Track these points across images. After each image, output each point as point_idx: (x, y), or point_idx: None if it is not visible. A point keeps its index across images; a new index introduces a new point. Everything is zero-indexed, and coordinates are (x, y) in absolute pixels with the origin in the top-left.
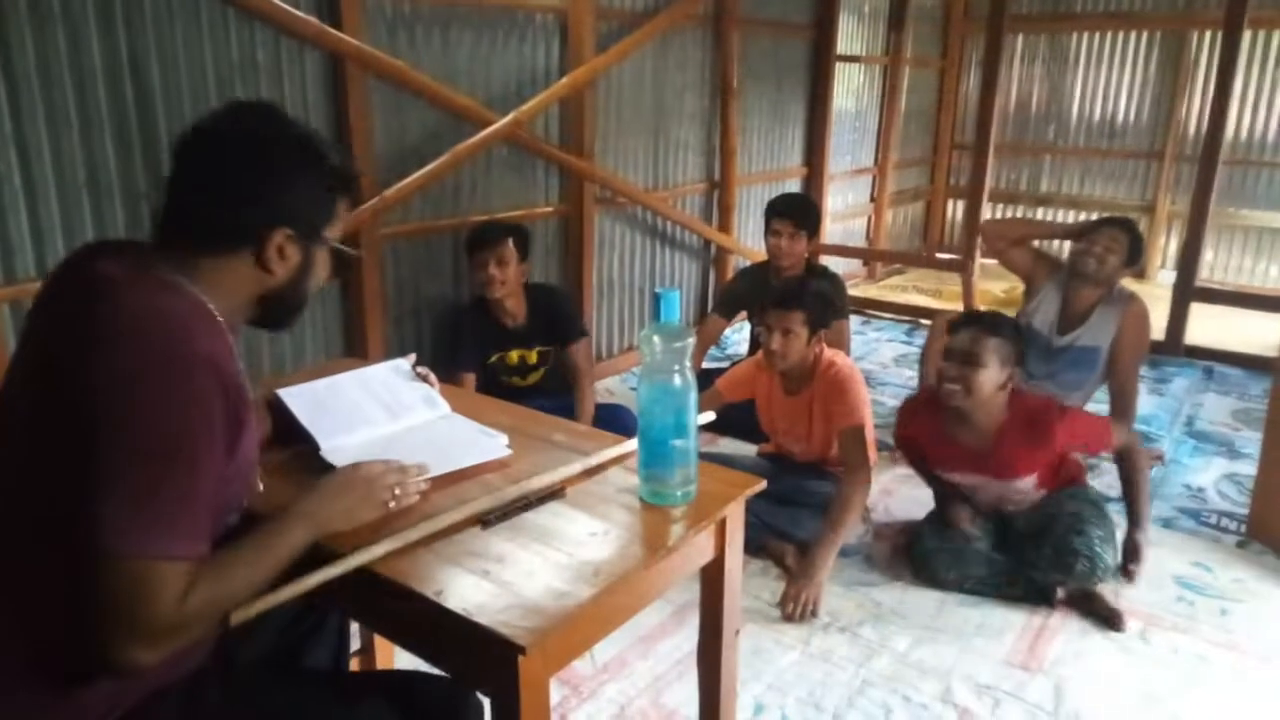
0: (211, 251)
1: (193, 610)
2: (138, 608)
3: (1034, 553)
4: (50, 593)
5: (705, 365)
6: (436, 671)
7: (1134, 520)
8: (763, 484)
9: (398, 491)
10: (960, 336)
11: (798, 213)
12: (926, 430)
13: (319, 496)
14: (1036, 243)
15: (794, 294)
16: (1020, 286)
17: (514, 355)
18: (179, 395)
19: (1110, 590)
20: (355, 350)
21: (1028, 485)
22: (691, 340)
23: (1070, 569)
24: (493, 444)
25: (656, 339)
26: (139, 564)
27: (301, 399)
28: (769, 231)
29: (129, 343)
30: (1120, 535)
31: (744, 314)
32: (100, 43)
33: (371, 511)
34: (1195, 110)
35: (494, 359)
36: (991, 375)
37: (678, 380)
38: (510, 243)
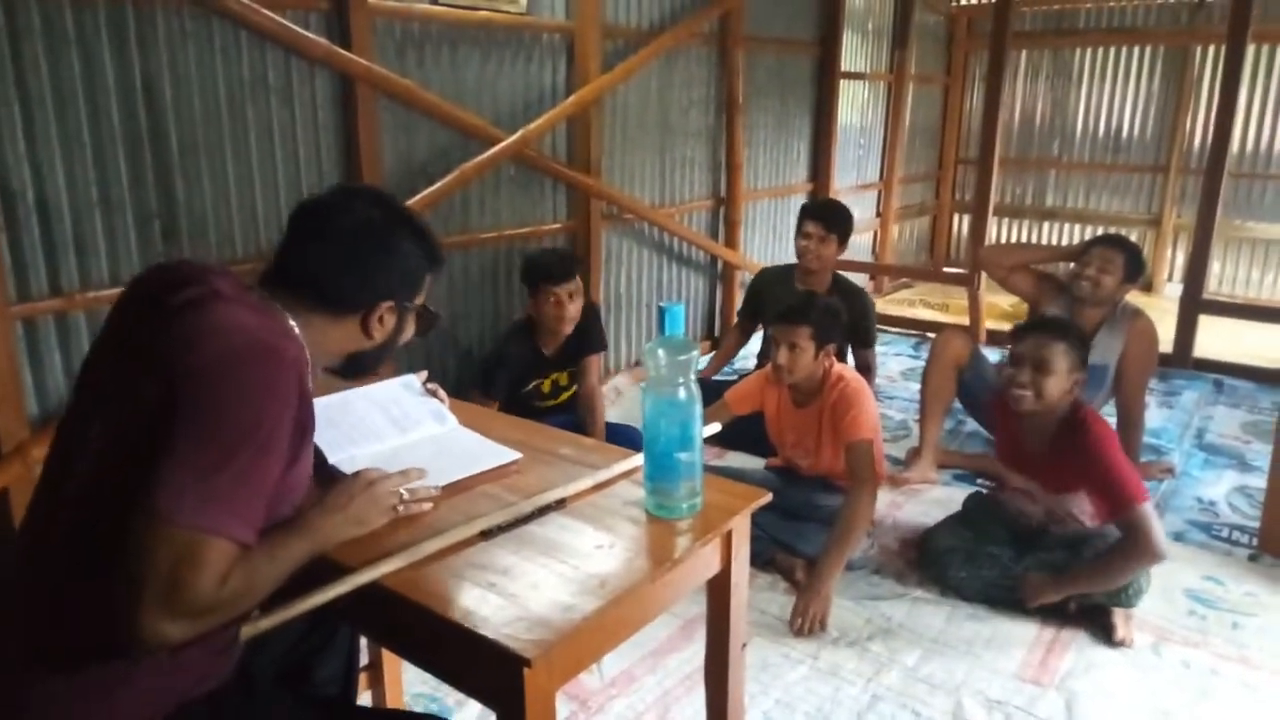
0: (320, 311)
1: (226, 597)
2: (179, 578)
3: (1062, 559)
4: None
5: (713, 378)
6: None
7: (1087, 575)
8: (768, 496)
9: (405, 495)
10: (1027, 343)
11: (830, 216)
12: (1006, 423)
13: (326, 507)
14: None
15: (800, 309)
16: None
17: (548, 383)
18: (261, 386)
19: (1121, 612)
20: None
21: (1077, 502)
22: (696, 353)
23: None
24: (502, 450)
25: (662, 352)
26: (190, 534)
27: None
28: (799, 234)
29: (226, 337)
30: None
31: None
32: (113, 64)
33: (380, 517)
34: (1200, 124)
35: (530, 387)
36: (1060, 381)
37: (682, 393)
38: (578, 277)
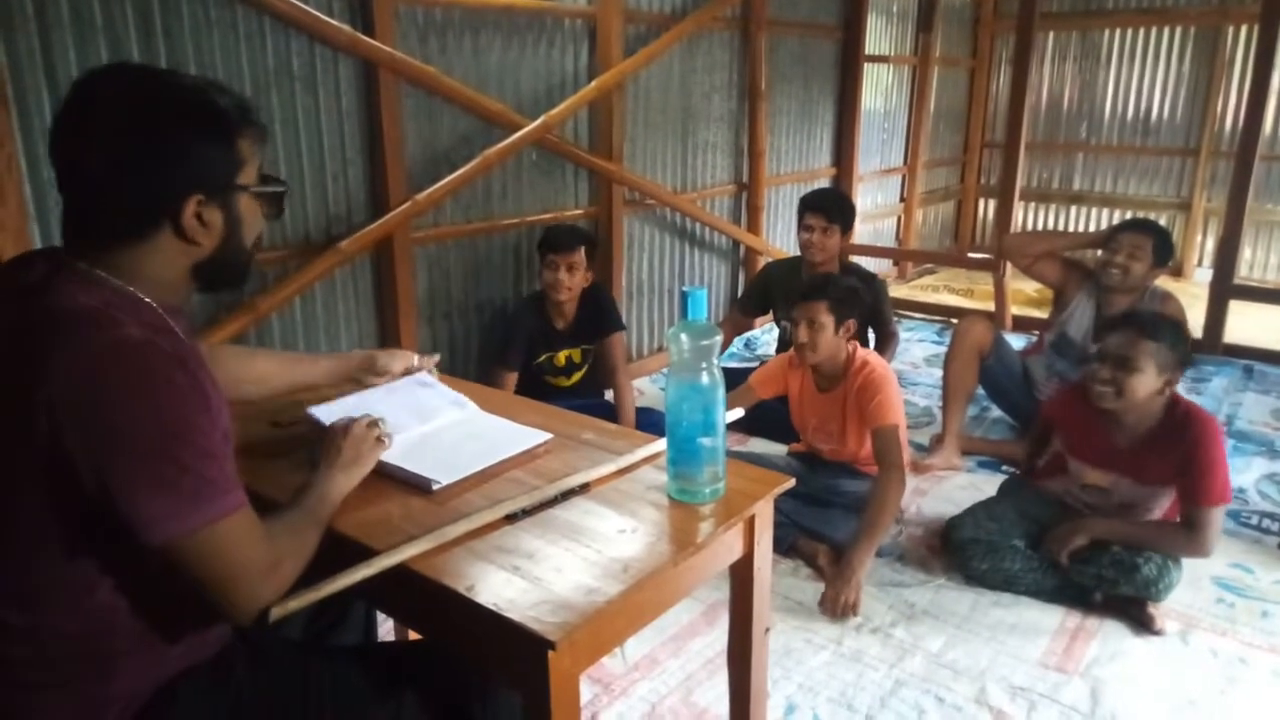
0: (125, 241)
1: (282, 550)
2: (229, 567)
3: (1090, 550)
4: (79, 589)
5: (732, 365)
6: None
7: (1133, 526)
8: (791, 482)
9: (382, 426)
10: (1115, 339)
11: (830, 207)
12: (1078, 417)
13: (327, 463)
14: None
15: (817, 285)
16: None
17: (562, 356)
18: (135, 385)
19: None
20: None
21: (1159, 498)
22: (719, 338)
23: (1136, 570)
24: (531, 433)
25: (684, 337)
26: (202, 537)
27: (333, 414)
28: (801, 226)
29: (65, 355)
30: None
31: (770, 312)
32: (140, 52)
33: (370, 452)
34: (1231, 106)
35: (542, 359)
36: (1147, 381)
37: (705, 378)
38: (582, 251)
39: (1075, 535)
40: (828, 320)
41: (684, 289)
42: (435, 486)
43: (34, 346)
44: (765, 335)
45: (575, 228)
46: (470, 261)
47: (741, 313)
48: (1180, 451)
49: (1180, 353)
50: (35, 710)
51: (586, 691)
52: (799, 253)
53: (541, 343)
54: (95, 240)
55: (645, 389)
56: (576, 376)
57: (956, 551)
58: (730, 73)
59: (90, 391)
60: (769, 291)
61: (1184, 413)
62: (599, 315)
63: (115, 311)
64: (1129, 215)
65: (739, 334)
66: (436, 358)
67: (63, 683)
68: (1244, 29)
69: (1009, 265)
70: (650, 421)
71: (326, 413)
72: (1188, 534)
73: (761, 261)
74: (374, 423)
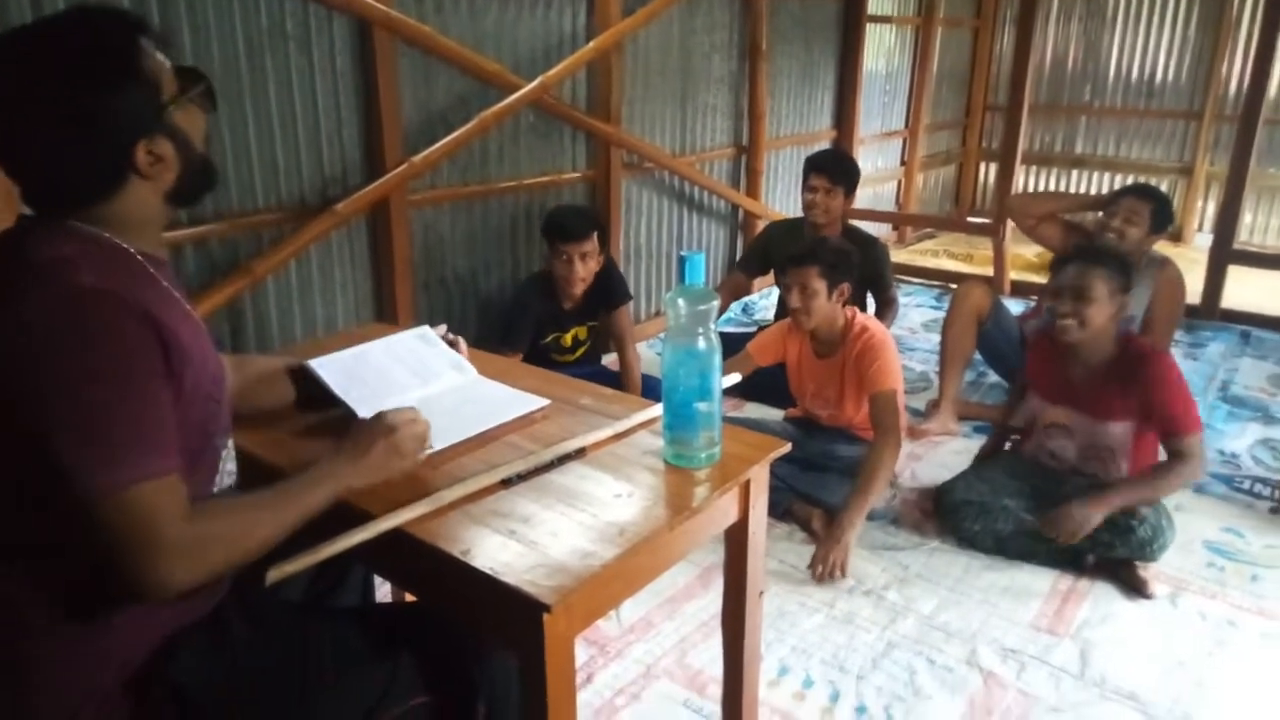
0: (95, 200)
1: (208, 533)
2: (144, 533)
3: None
4: (47, 548)
5: (730, 330)
6: None
7: (1129, 486)
8: (787, 447)
9: (430, 443)
10: (1067, 271)
11: (834, 168)
12: (1046, 357)
13: (347, 453)
14: (1066, 216)
15: (808, 250)
16: None
17: (569, 336)
18: (78, 334)
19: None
20: (385, 316)
21: (1119, 436)
22: (716, 303)
23: (1131, 532)
24: (529, 398)
25: (681, 301)
26: (125, 495)
27: (332, 368)
28: (805, 187)
29: (16, 307)
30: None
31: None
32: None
33: (401, 462)
34: (1236, 69)
35: (550, 338)
36: (1103, 307)
37: (702, 343)
38: (595, 238)
39: (1083, 523)
40: (820, 285)
41: (681, 254)
42: (429, 451)
43: None
44: (763, 300)
45: (583, 211)
46: (467, 225)
47: (743, 272)
48: (1140, 391)
49: (1126, 277)
50: (38, 661)
51: (582, 653)
52: (802, 214)
53: (550, 324)
54: (64, 207)
55: (643, 353)
56: (580, 352)
57: (949, 514)
58: (730, 33)
59: (28, 341)
60: (769, 252)
61: (1137, 351)
62: (608, 291)
63: (83, 260)
64: (1130, 179)
65: (737, 297)
66: (443, 328)
67: (60, 640)
68: None
69: (1008, 230)
70: (647, 387)
71: (325, 365)
72: (1180, 467)
73: (760, 225)
74: (422, 434)
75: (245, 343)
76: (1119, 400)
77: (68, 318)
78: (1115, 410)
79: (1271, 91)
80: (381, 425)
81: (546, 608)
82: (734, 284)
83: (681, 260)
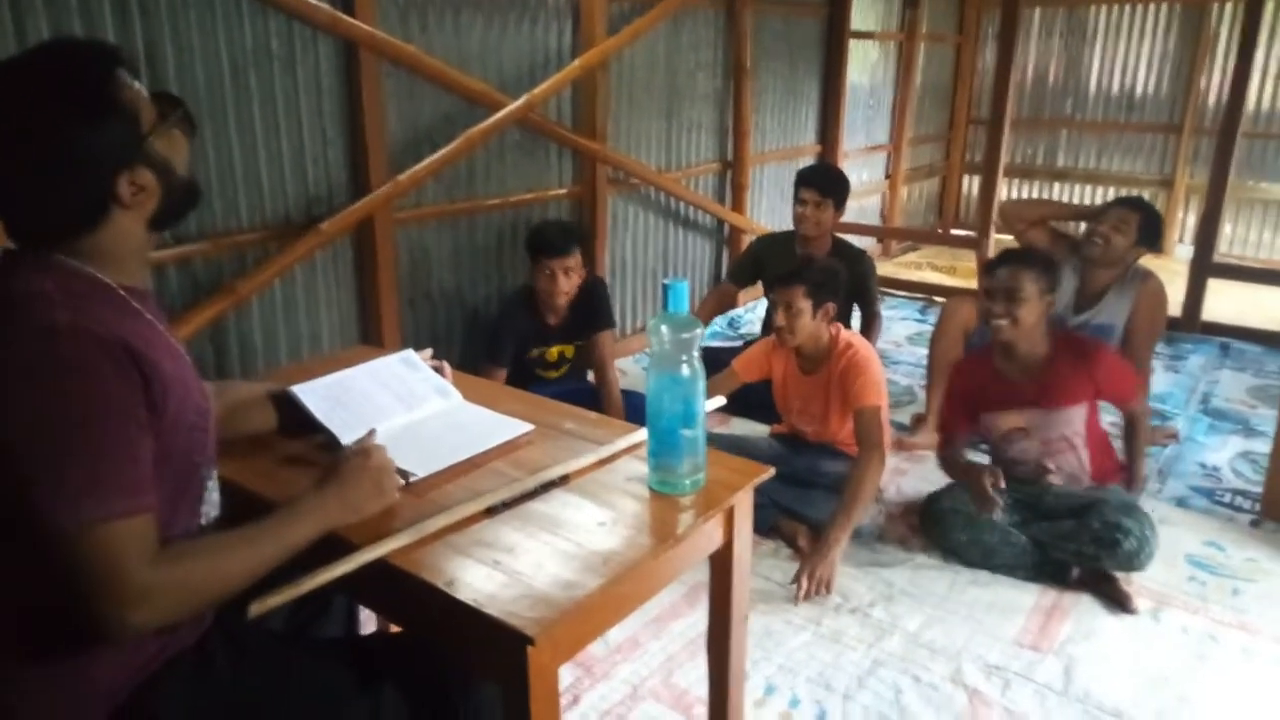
0: (79, 233)
1: (171, 579)
2: (104, 573)
3: (1069, 527)
4: (26, 580)
5: (716, 344)
6: None
7: (1132, 479)
8: (771, 472)
9: (407, 482)
10: (999, 274)
11: (824, 182)
12: (980, 378)
13: (329, 490)
14: (1054, 223)
15: (794, 270)
16: None
17: (554, 351)
18: (51, 371)
19: (1123, 578)
20: (370, 335)
21: (1075, 420)
22: (700, 331)
23: (1117, 545)
24: (514, 423)
25: (665, 329)
26: (88, 534)
27: (315, 394)
28: (796, 200)
29: None
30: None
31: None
32: (116, 32)
33: (381, 501)
34: (1215, 83)
35: (534, 354)
36: (1033, 305)
37: (685, 370)
38: (578, 252)
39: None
40: (805, 305)
41: (665, 281)
42: (412, 479)
43: None
44: (748, 314)
45: (566, 226)
46: (453, 242)
47: (734, 282)
48: (1086, 372)
49: (1053, 277)
50: (19, 692)
51: (568, 675)
52: (792, 227)
53: (534, 339)
54: (47, 240)
55: (628, 369)
56: (565, 368)
57: (936, 522)
58: (715, 50)
59: (1, 377)
60: (761, 264)
61: (1075, 340)
62: (592, 313)
63: (61, 295)
64: (1112, 192)
65: (725, 307)
66: (429, 352)
67: (44, 672)
68: (1229, 6)
69: (991, 243)
70: (632, 404)
71: (308, 392)
72: (1139, 428)
73: (746, 240)
74: (392, 470)
75: (229, 362)
76: (1070, 382)
77: (41, 354)
78: (1068, 393)
79: (1250, 104)
80: (369, 461)
81: (530, 640)
82: (723, 293)
83: (665, 288)
